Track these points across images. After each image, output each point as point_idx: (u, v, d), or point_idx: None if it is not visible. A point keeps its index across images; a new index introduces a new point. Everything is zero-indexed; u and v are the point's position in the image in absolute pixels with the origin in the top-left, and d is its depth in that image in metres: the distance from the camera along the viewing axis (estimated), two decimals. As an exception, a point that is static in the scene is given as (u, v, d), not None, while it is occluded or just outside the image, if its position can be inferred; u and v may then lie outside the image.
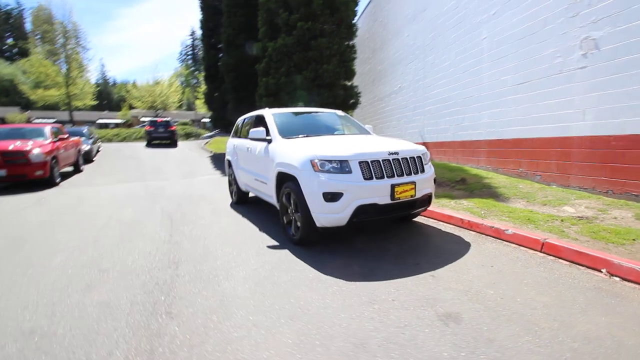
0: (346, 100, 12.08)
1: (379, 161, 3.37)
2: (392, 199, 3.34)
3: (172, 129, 20.81)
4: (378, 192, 3.30)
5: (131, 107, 44.34)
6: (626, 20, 4.14)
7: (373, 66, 13.51)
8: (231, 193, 6.38)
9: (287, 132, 4.37)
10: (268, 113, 4.85)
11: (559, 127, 5.16)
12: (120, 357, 1.91)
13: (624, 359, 1.74)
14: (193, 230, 4.50)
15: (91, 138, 14.73)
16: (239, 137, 5.89)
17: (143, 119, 43.24)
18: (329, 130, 4.83)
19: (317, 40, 10.94)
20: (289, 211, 3.85)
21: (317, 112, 5.31)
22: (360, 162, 3.31)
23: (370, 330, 2.07)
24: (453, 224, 4.21)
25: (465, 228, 4.05)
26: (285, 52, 11.26)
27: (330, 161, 3.32)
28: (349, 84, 12.12)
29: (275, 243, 3.83)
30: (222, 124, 18.08)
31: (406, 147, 3.70)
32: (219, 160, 15.68)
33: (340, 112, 5.47)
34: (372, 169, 3.32)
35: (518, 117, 5.99)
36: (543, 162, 5.53)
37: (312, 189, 3.32)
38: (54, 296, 2.69)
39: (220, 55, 17.09)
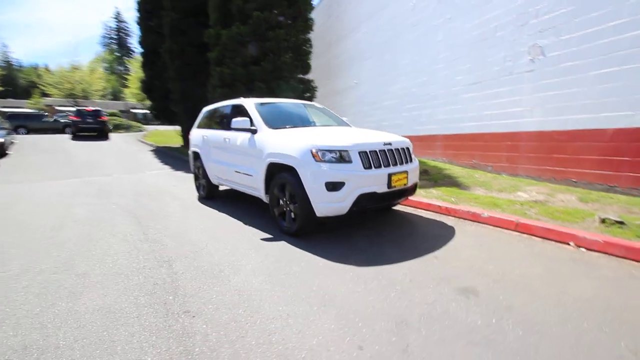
0: (303, 93, 12.09)
1: (376, 151, 3.49)
2: (388, 188, 3.49)
3: (103, 119, 18.73)
4: (377, 181, 3.42)
5: (44, 95, 38.61)
6: (568, 32, 4.83)
7: (328, 60, 13.68)
8: (198, 187, 6.02)
9: (273, 123, 4.25)
10: (249, 103, 4.66)
11: (510, 124, 5.84)
12: (157, 362, 1.74)
13: (616, 311, 2.09)
14: (168, 227, 4.17)
15: (3, 128, 12.56)
16: (209, 127, 5.57)
17: (61, 108, 38.00)
18: (309, 121, 4.81)
19: (275, 31, 10.75)
20: (281, 203, 3.78)
21: (295, 103, 5.25)
22: (359, 152, 3.38)
23: (404, 308, 2.17)
24: (432, 211, 4.53)
25: (444, 214, 4.39)
26: (241, 41, 10.85)
27: (330, 151, 3.34)
28: (306, 77, 12.14)
29: (268, 235, 3.73)
30: (164, 115, 16.74)
31: (396, 138, 3.88)
32: (163, 154, 14.60)
33: (318, 105, 5.48)
34: (371, 158, 3.43)
35: (472, 114, 6.62)
36: (494, 155, 6.21)
37: (314, 179, 3.30)
38: (33, 307, 2.31)
39: (162, 40, 15.77)
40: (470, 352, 1.76)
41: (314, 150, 3.35)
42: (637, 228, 3.31)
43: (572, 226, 3.54)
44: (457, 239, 3.47)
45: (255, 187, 4.25)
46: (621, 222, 3.44)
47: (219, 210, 4.96)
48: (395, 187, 3.53)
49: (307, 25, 11.63)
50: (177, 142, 18.02)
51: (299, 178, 3.43)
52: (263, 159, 3.92)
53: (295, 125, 4.37)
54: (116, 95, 51.62)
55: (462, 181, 5.88)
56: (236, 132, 4.61)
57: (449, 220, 4.14)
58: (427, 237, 3.57)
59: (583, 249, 3.05)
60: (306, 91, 11.96)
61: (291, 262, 2.98)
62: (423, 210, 4.63)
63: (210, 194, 5.70)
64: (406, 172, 3.65)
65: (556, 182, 5.13)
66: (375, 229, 3.85)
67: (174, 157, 13.59)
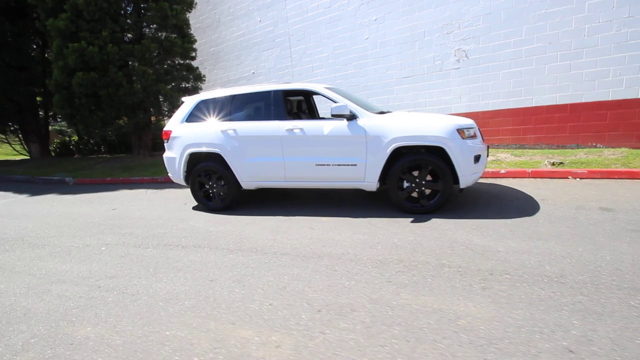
0: (191, 82, 10.47)
1: (476, 128, 4.21)
2: (487, 157, 4.32)
3: None
4: (486, 151, 4.17)
5: None
6: (485, 41, 6.97)
7: (198, 46, 12.13)
8: (208, 198, 4.79)
9: (366, 108, 4.14)
10: (322, 87, 4.21)
11: (442, 108, 7.70)
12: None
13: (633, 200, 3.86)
14: (277, 242, 3.44)
15: None
16: (229, 119, 4.46)
17: None
18: (368, 106, 4.78)
19: (158, 2, 8.78)
20: (407, 185, 3.89)
21: (341, 89, 5.02)
22: (476, 129, 4.02)
23: (602, 228, 3.13)
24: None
25: (466, 177, 5.59)
26: (107, 9, 8.26)
27: (468, 129, 3.81)
28: (193, 64, 10.57)
29: (407, 219, 3.76)
30: None
31: (461, 118, 4.69)
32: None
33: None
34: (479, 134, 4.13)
35: (407, 102, 8.15)
36: (430, 133, 7.99)
37: (464, 154, 3.69)
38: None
39: None
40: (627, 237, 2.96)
41: (460, 129, 3.71)
42: (570, 164, 5.61)
43: (534, 169, 5.52)
44: (523, 188, 4.71)
45: (358, 177, 4.04)
46: (561, 162, 5.69)
47: (287, 216, 4.26)
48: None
49: (189, 3, 10.12)
50: None
51: (447, 155, 3.70)
52: (384, 145, 3.83)
53: (374, 110, 4.37)
54: None
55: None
56: (314, 121, 4.19)
57: (482, 181, 5.38)
58: (503, 193, 4.64)
59: (578, 179, 4.99)
60: (196, 79, 10.48)
61: (485, 228, 3.34)
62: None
63: (233, 203, 4.66)
64: (483, 144, 4.58)
65: (484, 147, 7.38)
66: (459, 197, 4.57)
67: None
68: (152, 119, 10.30)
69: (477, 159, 3.79)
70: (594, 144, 6.28)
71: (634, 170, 4.76)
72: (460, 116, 4.81)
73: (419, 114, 4.41)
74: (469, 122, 3.95)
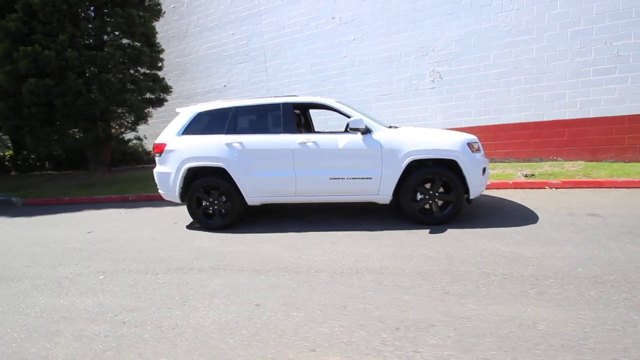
0: (156, 94, 9.85)
1: (474, 142, 4.49)
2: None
3: None
4: (484, 164, 4.46)
5: None
6: (457, 64, 7.55)
7: (164, 57, 11.52)
8: (207, 216, 4.50)
9: (378, 122, 4.21)
10: (334, 102, 4.24)
11: (419, 125, 8.12)
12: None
13: (614, 204, 4.40)
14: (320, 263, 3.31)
15: None
16: (233, 132, 4.25)
17: None
18: (377, 120, 4.85)
19: (125, 9, 8.22)
20: (420, 197, 4.00)
21: (343, 102, 5.03)
22: (479, 144, 4.28)
23: (598, 231, 3.51)
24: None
25: (455, 189, 5.90)
26: (67, 11, 7.56)
27: (475, 143, 4.05)
28: (159, 74, 9.96)
29: (424, 231, 3.85)
30: None
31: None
32: None
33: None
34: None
35: (384, 119, 8.40)
36: (408, 147, 8.36)
37: (474, 167, 3.91)
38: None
39: None
40: (627, 238, 3.40)
41: (470, 143, 3.93)
42: (540, 175, 6.22)
43: (514, 180, 6.04)
44: (511, 198, 5.07)
45: (372, 190, 4.07)
46: (533, 174, 6.28)
47: (299, 232, 4.11)
48: (481, 168, 4.70)
49: (157, 11, 9.63)
50: None
51: (459, 168, 3.87)
52: (399, 158, 3.91)
53: (384, 124, 4.46)
54: None
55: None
56: (327, 135, 4.18)
57: (468, 192, 5.70)
58: (497, 203, 4.95)
59: (554, 188, 5.52)
60: (162, 90, 9.90)
61: (512, 238, 3.53)
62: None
63: (236, 220, 4.41)
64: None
65: (459, 161, 7.88)
66: (465, 208, 4.78)
67: None
68: (112, 131, 9.44)
69: (484, 171, 4.03)
70: (555, 158, 7.04)
71: (600, 180, 5.41)
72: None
73: (426, 129, 4.61)
74: (473, 137, 4.20)
